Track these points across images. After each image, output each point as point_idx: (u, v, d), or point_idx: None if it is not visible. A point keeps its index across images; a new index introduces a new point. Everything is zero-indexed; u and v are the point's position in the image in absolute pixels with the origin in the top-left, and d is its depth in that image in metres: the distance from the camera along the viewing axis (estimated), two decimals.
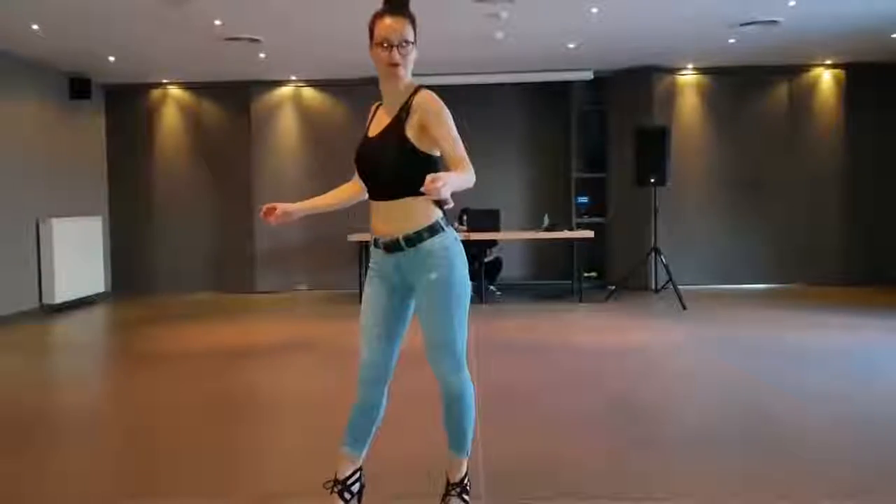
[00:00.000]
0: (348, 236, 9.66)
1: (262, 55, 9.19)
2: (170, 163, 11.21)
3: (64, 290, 9.50)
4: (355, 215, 10.09)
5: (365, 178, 3.03)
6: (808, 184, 10.65)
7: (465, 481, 3.12)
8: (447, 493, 3.10)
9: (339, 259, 10.70)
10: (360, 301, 3.11)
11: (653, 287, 10.16)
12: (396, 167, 2.88)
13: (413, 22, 2.94)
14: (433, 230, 2.92)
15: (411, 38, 2.90)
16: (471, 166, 2.76)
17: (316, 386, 5.80)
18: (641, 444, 4.18)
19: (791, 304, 9.08)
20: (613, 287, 10.08)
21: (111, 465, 4.12)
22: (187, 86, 11.11)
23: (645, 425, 4.58)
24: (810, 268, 10.60)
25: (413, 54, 2.94)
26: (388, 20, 2.91)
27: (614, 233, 10.97)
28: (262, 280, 11.10)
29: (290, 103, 11.14)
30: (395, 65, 2.89)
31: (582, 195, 11.16)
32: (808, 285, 10.46)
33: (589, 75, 10.62)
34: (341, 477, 3.06)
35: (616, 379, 5.76)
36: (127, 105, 11.11)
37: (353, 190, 3.29)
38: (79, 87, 10.13)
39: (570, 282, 10.15)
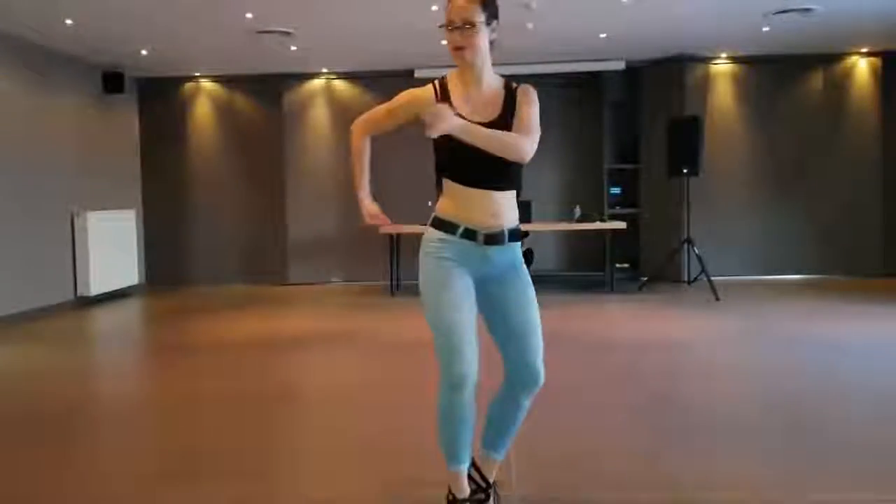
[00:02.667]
0: (381, 228, 9.67)
1: (293, 48, 9.22)
2: (203, 156, 11.29)
3: (99, 282, 9.60)
4: (386, 208, 10.02)
5: (468, 162, 2.79)
6: (845, 173, 10.50)
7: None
8: (491, 494, 3.08)
9: (371, 252, 10.71)
10: (391, 292, 3.09)
11: (686, 278, 10.09)
12: (505, 160, 2.76)
13: (485, 3, 2.79)
14: (521, 231, 2.97)
15: (478, 19, 2.76)
16: (530, 140, 2.75)
17: (351, 379, 5.82)
18: (677, 437, 4.16)
19: (825, 295, 8.98)
20: (646, 278, 10.02)
21: (147, 458, 4.16)
22: (220, 79, 11.18)
23: (680, 418, 4.55)
24: (847, 259, 10.46)
25: (484, 37, 2.80)
26: (455, 0, 2.78)
27: (647, 224, 10.91)
28: (295, 272, 11.16)
29: (321, 96, 11.17)
30: (458, 49, 2.78)
31: (614, 186, 11.11)
32: (844, 276, 10.33)
33: (621, 65, 10.55)
34: (462, 496, 2.95)
35: (651, 371, 5.73)
36: (160, 98, 11.20)
37: (367, 146, 3.20)
38: (112, 81, 10.21)
39: (603, 273, 10.10)
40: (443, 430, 2.86)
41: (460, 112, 2.77)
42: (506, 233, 2.87)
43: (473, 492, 3.00)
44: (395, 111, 3.01)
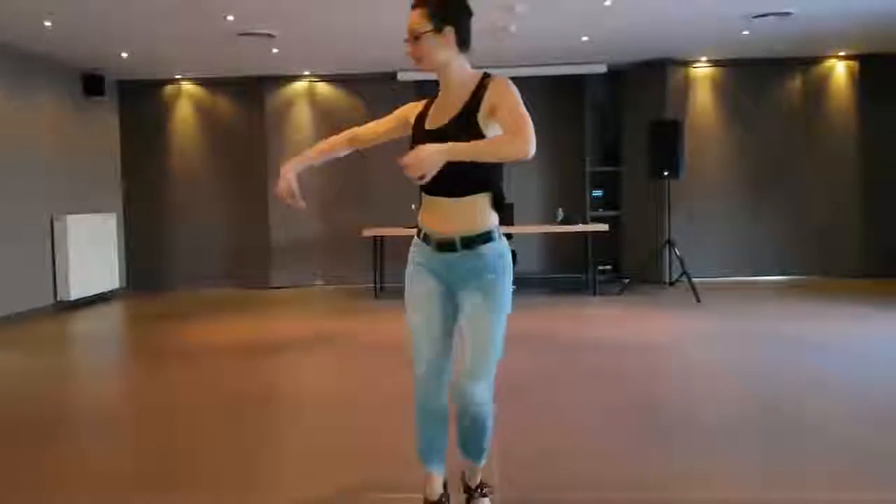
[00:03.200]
0: (363, 231, 9.67)
1: (275, 50, 9.20)
2: (184, 159, 11.24)
3: (79, 286, 9.54)
4: (370, 211, 10.07)
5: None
6: (823, 175, 10.58)
7: (482, 481, 3.14)
8: (472, 498, 3.10)
9: (354, 254, 10.70)
10: (374, 295, 3.10)
11: (667, 280, 10.14)
12: (458, 162, 2.63)
13: (435, 9, 2.77)
14: (491, 236, 2.85)
15: (424, 29, 2.75)
16: (521, 135, 2.59)
17: (334, 382, 5.82)
18: (657, 437, 4.18)
19: (805, 296, 9.05)
20: (628, 280, 10.06)
21: (128, 461, 4.14)
22: (201, 81, 11.14)
23: (659, 419, 4.58)
24: (827, 260, 10.54)
25: (435, 45, 2.77)
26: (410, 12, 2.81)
27: (628, 226, 10.95)
28: (278, 275, 11.12)
29: (304, 98, 11.15)
30: (415, 59, 2.81)
31: (596, 188, 11.16)
32: (825, 277, 10.40)
33: (603, 68, 10.59)
34: (431, 498, 3.00)
35: (631, 373, 5.75)
36: (141, 101, 11.14)
37: (343, 144, 3.23)
38: (93, 84, 10.16)
39: (585, 275, 10.13)
40: (415, 427, 2.97)
41: (426, 124, 2.87)
42: (457, 241, 2.81)
43: (441, 497, 3.02)
44: (389, 119, 3.12)
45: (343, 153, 3.26)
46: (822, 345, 6.46)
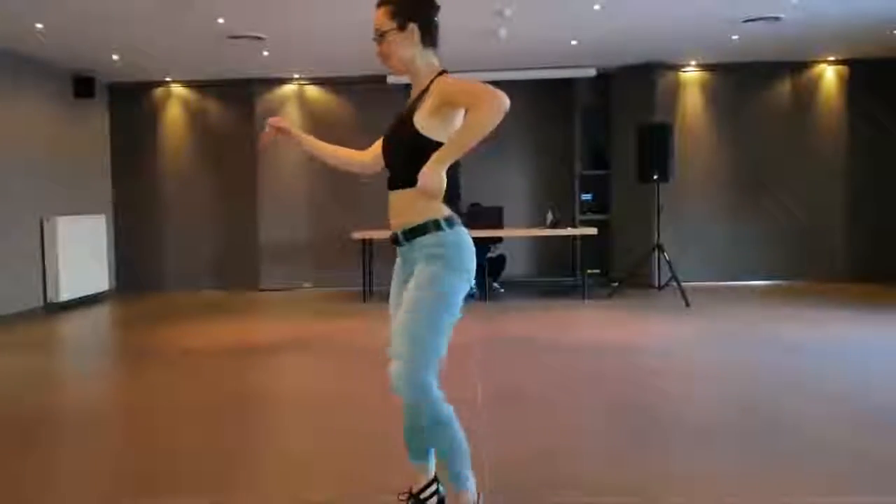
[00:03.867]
0: (353, 234, 9.67)
1: (265, 53, 9.21)
2: (174, 161, 11.23)
3: (68, 288, 9.52)
4: (359, 214, 10.06)
5: (385, 166, 2.97)
6: (812, 179, 10.64)
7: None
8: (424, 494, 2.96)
9: (343, 257, 10.70)
10: (363, 298, 3.11)
11: (656, 284, 10.17)
12: (400, 155, 2.80)
13: (394, 6, 2.81)
14: (426, 228, 2.77)
15: (388, 27, 2.79)
16: (490, 95, 2.51)
17: (321, 385, 5.82)
18: (643, 441, 4.20)
19: (794, 301, 9.09)
20: (617, 284, 10.09)
21: (113, 464, 4.13)
22: (191, 84, 11.13)
23: (648, 422, 4.59)
24: (814, 264, 10.60)
25: (399, 44, 2.80)
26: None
27: (618, 229, 10.98)
28: (267, 278, 11.12)
29: (294, 101, 11.15)
30: (382, 57, 2.86)
31: (586, 192, 11.19)
32: (811, 281, 10.46)
33: (592, 72, 10.62)
34: (415, 490, 2.96)
35: (619, 376, 5.77)
36: (131, 103, 11.13)
37: (359, 157, 3.21)
38: (83, 86, 10.15)
39: (574, 278, 10.16)
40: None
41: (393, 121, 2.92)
42: (399, 234, 2.84)
43: (423, 489, 2.95)
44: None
45: (343, 166, 3.28)
46: (808, 348, 6.49)
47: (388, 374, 2.70)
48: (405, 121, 2.77)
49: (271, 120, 3.15)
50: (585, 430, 4.42)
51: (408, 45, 2.80)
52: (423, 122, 2.71)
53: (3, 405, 5.33)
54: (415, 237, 2.79)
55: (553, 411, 4.83)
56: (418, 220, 2.78)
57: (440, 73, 2.79)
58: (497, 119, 2.50)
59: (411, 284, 2.77)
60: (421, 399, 2.69)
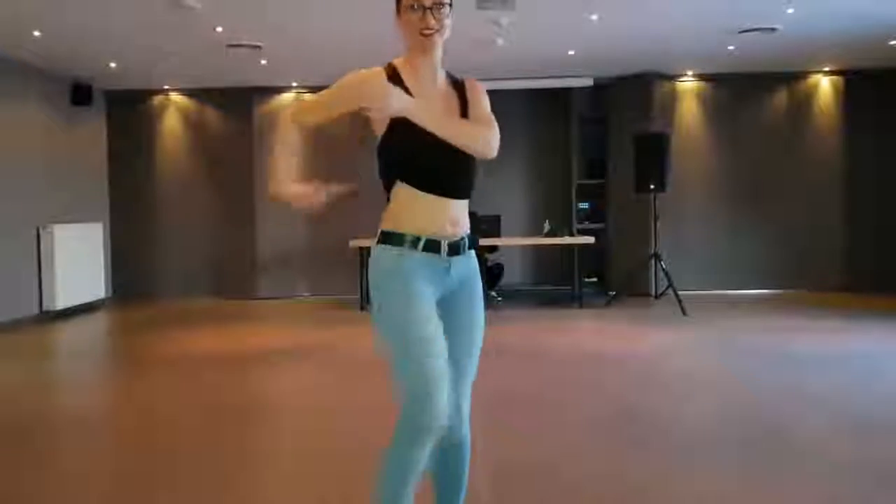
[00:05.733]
0: (350, 242, 9.67)
1: (263, 62, 9.22)
2: (171, 169, 11.22)
3: (65, 295, 9.50)
4: (356, 223, 10.03)
5: (434, 170, 2.44)
6: (809, 189, 10.67)
7: None
8: None
9: (340, 266, 10.70)
10: (360, 307, 2.62)
11: (653, 293, 10.17)
12: (471, 158, 2.47)
13: None
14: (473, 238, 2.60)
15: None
16: (495, 133, 2.45)
17: (319, 393, 5.81)
18: (641, 450, 4.20)
19: (792, 310, 9.09)
20: (614, 293, 10.09)
21: (110, 471, 4.13)
22: (189, 92, 11.14)
23: (645, 431, 4.59)
24: (811, 273, 10.61)
25: (450, 17, 2.45)
26: None
27: (615, 238, 10.99)
28: (264, 286, 11.11)
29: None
30: (429, 32, 2.40)
31: (582, 201, 11.20)
32: (809, 291, 10.46)
33: (589, 82, 10.65)
34: None
35: (616, 385, 5.77)
36: (128, 111, 11.13)
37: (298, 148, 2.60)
38: (80, 93, 10.14)
39: (571, 287, 10.15)
40: (389, 484, 2.35)
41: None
42: (465, 241, 2.53)
43: None
44: (337, 97, 2.55)
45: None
46: (805, 358, 6.50)
47: (443, 409, 2.32)
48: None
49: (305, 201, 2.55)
50: (584, 439, 4.41)
51: (449, 30, 2.49)
52: None
53: (1, 411, 5.32)
54: (472, 246, 2.59)
55: (551, 420, 4.83)
56: (468, 230, 2.58)
57: (452, 75, 2.60)
58: (483, 150, 2.42)
59: (475, 313, 2.59)
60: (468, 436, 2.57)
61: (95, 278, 10.34)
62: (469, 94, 2.54)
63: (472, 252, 2.59)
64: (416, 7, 2.38)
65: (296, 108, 2.66)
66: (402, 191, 2.47)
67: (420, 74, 2.49)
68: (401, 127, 2.38)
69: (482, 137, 2.43)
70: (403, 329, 2.37)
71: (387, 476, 2.35)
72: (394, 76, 2.46)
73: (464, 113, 2.51)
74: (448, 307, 2.51)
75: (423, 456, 2.32)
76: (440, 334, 2.39)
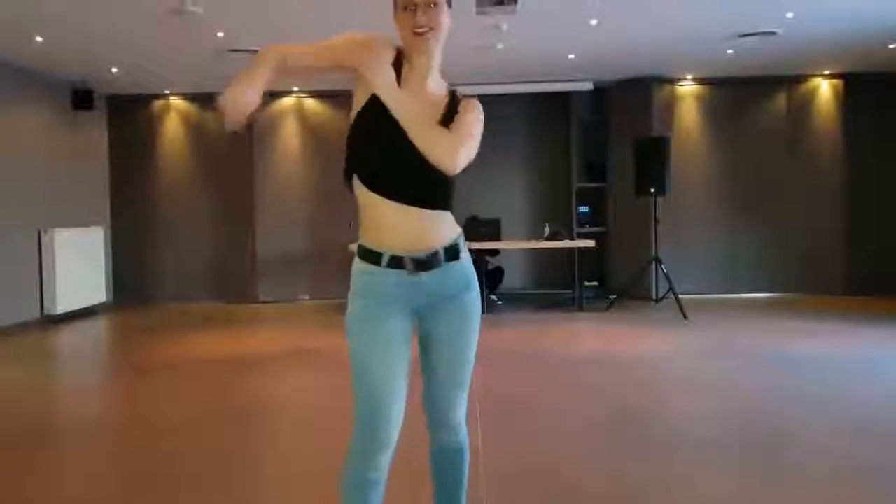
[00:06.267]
0: (349, 246, 9.68)
1: None
2: (172, 173, 11.24)
3: (65, 300, 9.51)
4: (356, 226, 10.00)
5: (398, 173, 2.34)
6: (809, 193, 10.68)
7: None
8: None
9: (340, 269, 10.69)
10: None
11: (654, 296, 10.17)
12: (435, 172, 2.31)
13: None
14: (460, 245, 2.46)
15: None
16: (466, 146, 2.31)
17: (317, 397, 5.81)
18: (642, 453, 4.21)
19: (792, 313, 9.10)
20: (615, 296, 10.09)
21: (112, 476, 4.14)
22: (190, 97, 11.15)
23: (646, 435, 4.60)
24: (811, 277, 10.62)
25: (447, 22, 2.38)
26: None
27: (615, 242, 11.00)
28: (264, 290, 11.12)
29: (292, 114, 11.18)
30: (421, 31, 2.34)
31: (583, 205, 11.21)
32: (809, 294, 10.47)
33: (589, 86, 10.67)
34: None
35: (617, 388, 5.78)
36: (130, 116, 11.14)
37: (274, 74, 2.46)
38: (82, 98, 10.15)
39: (572, 291, 10.17)
40: (347, 493, 2.37)
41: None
42: (440, 253, 2.39)
43: None
44: (338, 46, 2.52)
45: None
46: (804, 362, 6.50)
47: (442, 420, 2.49)
48: (447, 126, 2.37)
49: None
50: (584, 442, 4.42)
51: (446, 31, 2.40)
52: None
53: (2, 416, 5.32)
54: (458, 256, 2.45)
55: (552, 424, 4.84)
56: (456, 233, 2.47)
57: (455, 90, 2.51)
58: (444, 159, 2.26)
59: (461, 325, 2.45)
60: (467, 440, 2.61)
61: (96, 282, 10.35)
62: (460, 108, 2.42)
63: (461, 262, 2.45)
64: (409, 6, 2.35)
65: (284, 46, 2.54)
66: (360, 193, 2.40)
67: (413, 73, 2.42)
68: (374, 108, 2.34)
69: (449, 146, 2.27)
70: (357, 349, 2.36)
71: (344, 486, 2.38)
72: (397, 59, 2.42)
73: (447, 119, 2.39)
74: (429, 320, 2.44)
75: (375, 466, 2.33)
76: (396, 355, 2.34)
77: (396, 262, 2.36)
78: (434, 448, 2.57)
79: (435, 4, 2.34)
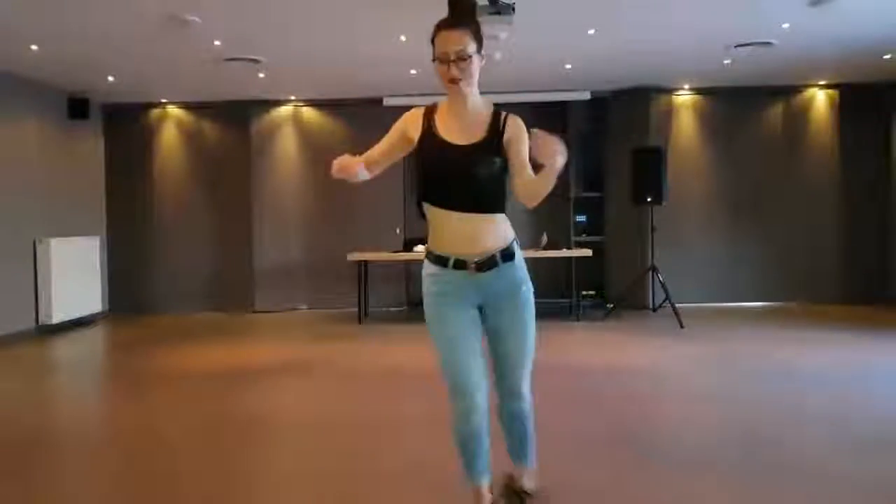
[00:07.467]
0: (348, 255, 9.67)
1: (261, 75, 9.23)
2: (169, 182, 11.22)
3: (61, 310, 9.47)
4: (354, 235, 10.05)
5: (446, 186, 2.88)
6: (805, 202, 10.70)
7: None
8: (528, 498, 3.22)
9: (339, 279, 10.70)
10: (359, 320, 3.01)
11: (651, 305, 10.17)
12: (492, 181, 2.87)
13: (476, 32, 2.88)
14: (514, 248, 2.97)
15: (471, 51, 2.84)
16: (543, 187, 2.85)
17: (316, 408, 5.79)
18: (639, 464, 4.19)
19: (788, 323, 9.10)
20: (612, 305, 10.09)
21: (107, 488, 4.11)
22: (187, 105, 11.14)
23: (642, 445, 4.58)
24: (807, 286, 10.63)
25: (477, 65, 2.88)
26: (445, 33, 2.83)
27: (612, 251, 11.00)
28: (262, 300, 11.09)
29: (289, 123, 11.17)
30: (454, 81, 2.84)
31: (580, 214, 11.20)
32: (805, 303, 10.48)
33: (586, 95, 10.68)
34: (519, 485, 3.19)
35: (614, 398, 5.76)
36: (126, 124, 11.13)
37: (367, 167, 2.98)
38: (78, 107, 10.14)
39: (569, 300, 10.16)
40: (458, 452, 2.98)
41: (445, 137, 2.90)
42: (497, 256, 2.91)
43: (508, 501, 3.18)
44: (392, 135, 3.04)
45: (362, 178, 3.00)
46: (802, 371, 6.50)
47: (512, 391, 3.03)
48: (497, 145, 2.88)
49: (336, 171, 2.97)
50: (581, 453, 4.40)
51: (478, 70, 2.91)
52: (504, 147, 2.90)
53: None
54: (512, 258, 2.95)
55: (548, 435, 4.81)
56: (511, 238, 2.96)
57: (498, 107, 2.99)
58: (535, 201, 2.88)
59: (518, 316, 2.98)
60: (531, 405, 3.11)
61: (92, 292, 10.32)
62: (510, 131, 2.92)
63: (513, 263, 2.94)
64: (444, 61, 2.81)
65: (368, 153, 3.06)
66: (429, 209, 2.91)
67: (455, 112, 2.92)
68: (420, 146, 2.91)
69: (541, 194, 2.81)
70: (434, 336, 2.92)
71: (455, 442, 2.96)
72: (429, 111, 2.96)
73: (491, 137, 2.88)
74: (492, 315, 2.96)
75: (469, 422, 2.88)
76: (468, 331, 2.90)
77: (460, 265, 2.89)
78: (506, 413, 3.08)
79: (466, 58, 2.82)
